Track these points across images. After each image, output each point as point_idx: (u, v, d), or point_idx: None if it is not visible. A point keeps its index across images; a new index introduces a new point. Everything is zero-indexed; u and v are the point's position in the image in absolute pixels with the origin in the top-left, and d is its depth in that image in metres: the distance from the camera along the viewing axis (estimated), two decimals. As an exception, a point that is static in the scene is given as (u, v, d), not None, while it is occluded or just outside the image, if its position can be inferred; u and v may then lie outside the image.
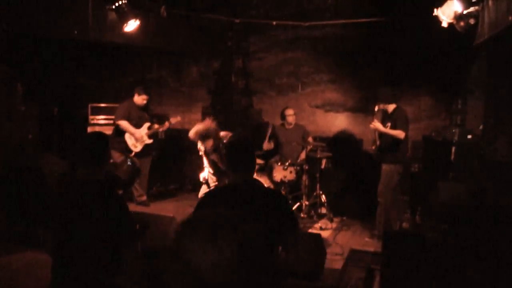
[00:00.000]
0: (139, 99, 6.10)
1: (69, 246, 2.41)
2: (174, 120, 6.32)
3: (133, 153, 6.05)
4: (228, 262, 0.95)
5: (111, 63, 7.71)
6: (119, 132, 6.04)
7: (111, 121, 6.86)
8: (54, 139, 6.68)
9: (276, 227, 2.35)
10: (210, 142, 4.99)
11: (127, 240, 2.52)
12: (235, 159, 2.50)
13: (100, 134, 2.70)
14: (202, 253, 0.96)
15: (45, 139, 6.64)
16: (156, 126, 6.28)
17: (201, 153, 5.18)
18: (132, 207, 6.07)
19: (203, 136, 4.98)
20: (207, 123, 5.12)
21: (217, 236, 0.98)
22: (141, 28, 5.87)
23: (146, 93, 6.13)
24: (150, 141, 6.21)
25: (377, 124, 5.15)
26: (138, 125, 6.12)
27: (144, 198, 6.42)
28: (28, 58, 6.70)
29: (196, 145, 5.22)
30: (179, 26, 6.94)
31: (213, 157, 5.05)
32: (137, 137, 6.08)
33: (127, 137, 6.04)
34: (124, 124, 6.00)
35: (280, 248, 2.38)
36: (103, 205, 2.43)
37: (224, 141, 5.06)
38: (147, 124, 6.20)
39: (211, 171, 5.15)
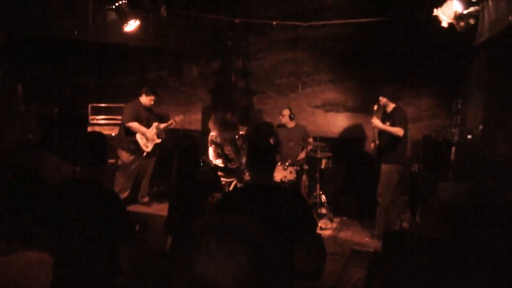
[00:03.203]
0: (147, 100, 6.11)
1: (69, 246, 2.41)
2: (179, 118, 6.39)
3: (145, 153, 6.09)
4: (239, 272, 0.92)
5: (111, 63, 7.71)
6: (130, 132, 6.05)
7: (111, 121, 6.88)
8: (54, 139, 6.68)
9: (295, 228, 2.36)
10: (228, 134, 5.08)
11: (127, 240, 2.52)
12: (257, 160, 2.52)
13: (99, 134, 2.70)
14: (211, 262, 0.93)
15: (45, 139, 6.64)
16: (162, 125, 6.30)
17: (212, 144, 5.23)
18: (134, 207, 6.10)
19: (223, 124, 5.05)
20: (227, 115, 5.26)
21: (229, 244, 0.95)
22: (141, 28, 5.87)
23: (154, 93, 6.14)
24: (159, 140, 6.27)
25: (376, 121, 5.16)
26: (147, 125, 6.15)
27: (147, 199, 6.46)
28: (28, 58, 6.69)
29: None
30: (179, 26, 6.94)
31: (227, 149, 5.12)
32: (148, 137, 6.10)
33: (138, 137, 6.06)
34: (135, 125, 6.02)
35: (296, 249, 2.39)
36: (102, 205, 2.43)
37: (241, 133, 5.17)
38: (155, 124, 6.24)
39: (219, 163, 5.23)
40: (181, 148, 3.73)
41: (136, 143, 6.04)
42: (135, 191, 6.42)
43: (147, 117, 6.15)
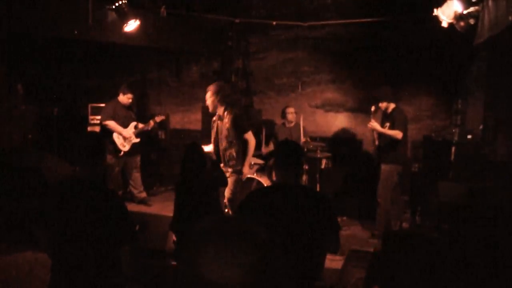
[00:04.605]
0: (124, 98, 6.11)
1: (68, 246, 2.41)
2: (159, 118, 6.30)
3: (122, 153, 6.07)
4: (244, 273, 0.92)
5: (111, 63, 7.71)
6: (107, 133, 6.04)
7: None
8: (54, 139, 6.68)
9: (320, 230, 2.35)
10: (221, 108, 4.80)
11: (126, 240, 2.52)
12: (285, 160, 2.51)
13: (97, 134, 2.71)
14: (215, 263, 0.93)
15: (45, 139, 6.65)
16: (141, 125, 6.27)
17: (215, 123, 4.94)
18: (134, 206, 6.10)
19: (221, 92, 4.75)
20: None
21: (233, 245, 0.95)
22: (141, 28, 5.87)
23: (131, 91, 6.13)
24: (137, 140, 6.22)
25: (374, 124, 5.16)
26: (124, 125, 6.12)
27: (144, 194, 6.44)
28: (28, 58, 6.70)
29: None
30: (179, 26, 6.94)
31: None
32: (125, 137, 6.09)
33: (115, 137, 6.05)
34: (111, 124, 6.02)
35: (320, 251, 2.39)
36: (102, 205, 2.43)
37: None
38: (133, 123, 6.22)
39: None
40: (186, 146, 3.70)
41: (113, 143, 6.03)
42: (127, 190, 6.42)
43: (124, 116, 6.13)
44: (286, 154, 2.55)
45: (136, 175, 6.38)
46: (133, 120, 6.24)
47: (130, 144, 6.14)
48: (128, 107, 6.21)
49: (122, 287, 2.49)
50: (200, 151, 3.64)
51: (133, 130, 6.17)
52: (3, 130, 6.11)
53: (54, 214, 2.42)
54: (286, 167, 2.51)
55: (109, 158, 6.01)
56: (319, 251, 2.45)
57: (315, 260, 2.43)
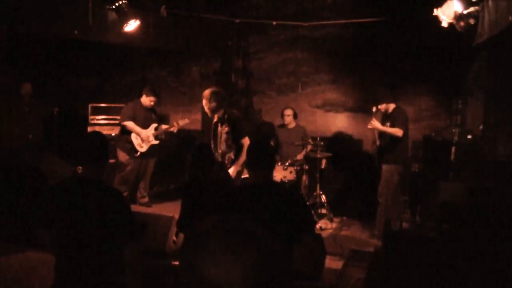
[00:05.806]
0: (147, 100, 6.08)
1: (70, 246, 2.41)
2: (183, 122, 6.26)
3: (138, 153, 6.06)
4: (244, 272, 0.92)
5: (111, 63, 7.71)
6: (126, 132, 6.05)
7: (111, 121, 6.88)
8: (54, 139, 6.68)
9: (293, 227, 2.36)
10: (220, 112, 4.76)
11: (128, 240, 2.52)
12: (256, 159, 2.53)
13: (100, 134, 2.70)
14: (216, 263, 0.93)
15: (45, 139, 6.64)
16: (163, 127, 6.27)
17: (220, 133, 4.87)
18: (134, 207, 6.10)
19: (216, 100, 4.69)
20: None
21: (233, 245, 0.95)
22: (141, 28, 5.87)
23: (154, 94, 6.09)
24: (157, 142, 6.21)
25: (375, 123, 5.16)
26: (144, 126, 6.10)
27: (146, 199, 6.44)
28: (28, 58, 6.70)
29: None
30: (179, 26, 6.94)
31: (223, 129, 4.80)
32: (143, 138, 6.08)
33: (133, 137, 6.05)
34: (129, 124, 6.01)
35: (296, 249, 2.39)
36: (104, 205, 2.43)
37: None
38: (154, 125, 6.19)
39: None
40: (195, 147, 3.73)
41: (131, 142, 6.02)
42: (134, 192, 6.42)
43: (144, 117, 6.10)
44: (257, 153, 2.58)
45: (145, 181, 6.40)
46: (154, 122, 6.21)
47: (149, 145, 6.12)
48: (150, 109, 6.19)
49: (124, 286, 2.49)
50: (209, 152, 3.68)
51: (153, 131, 6.15)
52: (4, 130, 6.11)
53: (57, 213, 2.42)
54: (257, 165, 2.54)
55: (122, 156, 6.02)
56: (296, 248, 2.46)
57: (293, 258, 2.43)
